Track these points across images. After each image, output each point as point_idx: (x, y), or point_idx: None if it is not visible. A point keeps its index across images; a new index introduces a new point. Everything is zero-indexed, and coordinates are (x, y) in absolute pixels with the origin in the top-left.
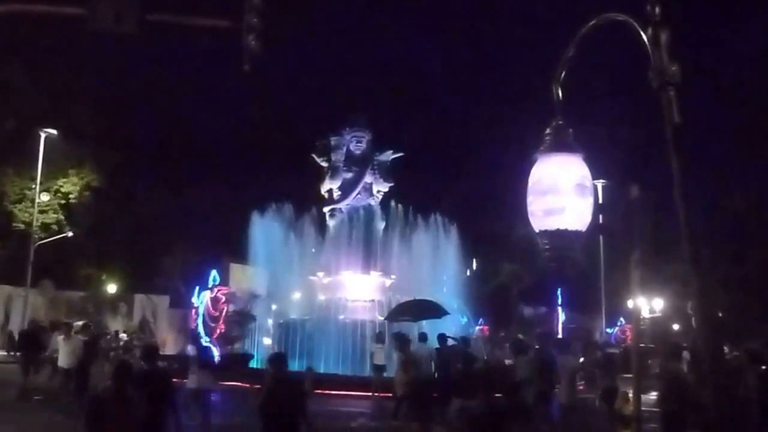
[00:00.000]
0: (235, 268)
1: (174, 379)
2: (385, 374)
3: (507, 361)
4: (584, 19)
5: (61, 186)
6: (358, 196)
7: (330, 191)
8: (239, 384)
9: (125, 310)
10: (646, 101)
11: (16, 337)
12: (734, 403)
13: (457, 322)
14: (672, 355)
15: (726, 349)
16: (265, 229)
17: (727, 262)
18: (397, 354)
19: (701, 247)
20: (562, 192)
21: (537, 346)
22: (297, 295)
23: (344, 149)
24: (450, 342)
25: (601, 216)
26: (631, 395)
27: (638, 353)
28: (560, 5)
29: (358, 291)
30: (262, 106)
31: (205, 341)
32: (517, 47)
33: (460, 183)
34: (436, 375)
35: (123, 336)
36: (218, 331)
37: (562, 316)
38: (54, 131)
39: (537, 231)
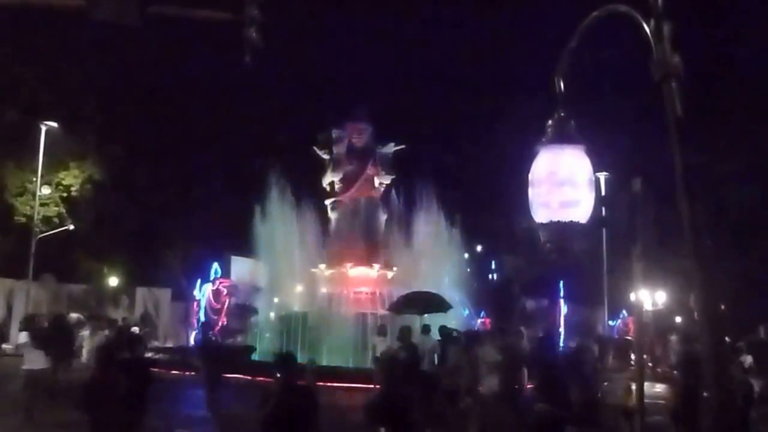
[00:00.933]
0: (237, 261)
1: (173, 372)
2: None
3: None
4: (588, 12)
5: (63, 179)
6: (360, 188)
7: (332, 184)
8: (241, 376)
9: (127, 303)
10: (648, 94)
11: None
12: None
13: (459, 315)
14: (686, 339)
15: (728, 339)
16: (266, 222)
17: (730, 254)
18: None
19: (704, 239)
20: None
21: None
22: (299, 288)
23: (346, 142)
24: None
25: (603, 209)
26: (633, 387)
27: (640, 345)
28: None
29: (360, 283)
30: (264, 98)
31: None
32: (521, 38)
33: (463, 175)
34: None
35: (135, 329)
36: (220, 324)
37: (564, 309)
38: (55, 124)
39: (546, 222)
